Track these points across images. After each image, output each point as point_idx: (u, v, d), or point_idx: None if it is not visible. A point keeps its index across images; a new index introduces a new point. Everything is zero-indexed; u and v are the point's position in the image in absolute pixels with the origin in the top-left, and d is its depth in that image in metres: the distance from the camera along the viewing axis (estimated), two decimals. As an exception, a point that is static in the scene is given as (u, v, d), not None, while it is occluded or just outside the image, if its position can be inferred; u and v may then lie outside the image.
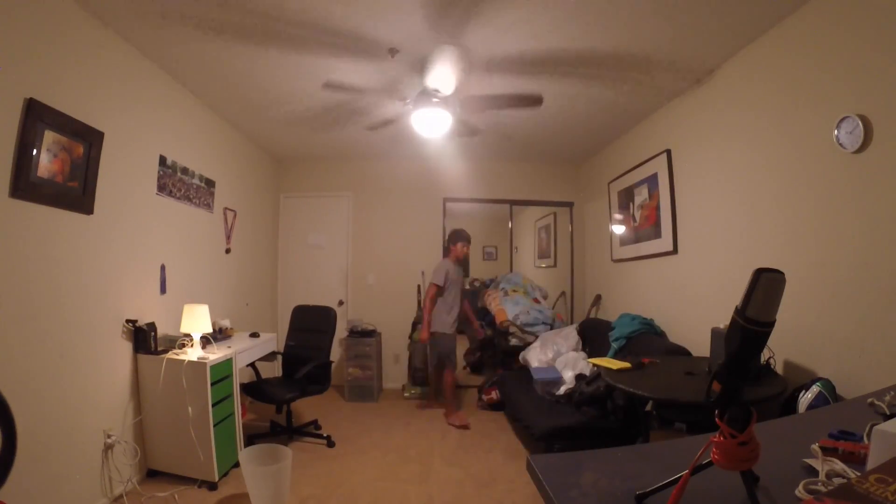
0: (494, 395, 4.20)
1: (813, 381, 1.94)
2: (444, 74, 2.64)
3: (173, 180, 3.04)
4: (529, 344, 4.53)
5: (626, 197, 4.00)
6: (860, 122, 1.85)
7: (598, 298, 4.67)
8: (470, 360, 5.65)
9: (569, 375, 3.36)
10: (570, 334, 4.02)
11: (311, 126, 4.03)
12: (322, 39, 2.54)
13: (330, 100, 3.37)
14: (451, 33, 2.47)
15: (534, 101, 3.04)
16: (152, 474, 2.67)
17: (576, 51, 2.62)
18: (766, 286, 0.62)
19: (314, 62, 2.80)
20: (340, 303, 4.98)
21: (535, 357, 3.85)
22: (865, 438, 0.85)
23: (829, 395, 1.85)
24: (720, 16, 2.27)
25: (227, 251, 3.91)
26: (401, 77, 2.94)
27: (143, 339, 2.60)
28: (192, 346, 2.72)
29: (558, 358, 3.67)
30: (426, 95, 2.78)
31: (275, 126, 4.05)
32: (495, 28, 2.42)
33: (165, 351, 2.64)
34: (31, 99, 1.91)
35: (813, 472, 0.77)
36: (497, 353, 4.91)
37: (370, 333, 4.64)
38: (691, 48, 2.57)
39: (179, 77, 3.00)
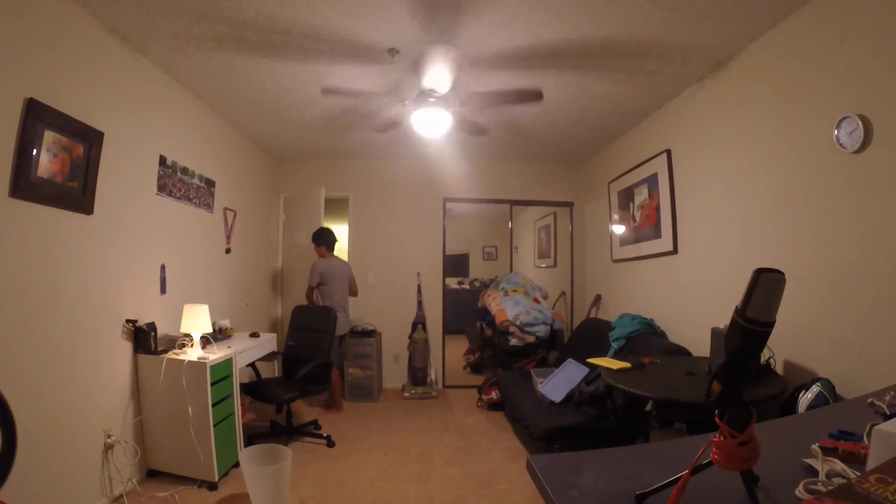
0: (494, 395, 4.20)
1: (813, 381, 1.94)
2: (438, 74, 2.65)
3: (173, 180, 3.04)
4: (529, 344, 4.54)
5: (626, 197, 4.00)
6: (860, 122, 1.85)
7: (598, 298, 4.67)
8: (470, 360, 5.65)
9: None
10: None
11: (321, 133, 4.08)
12: (321, 48, 2.56)
13: (335, 106, 3.40)
14: (443, 32, 2.47)
15: (534, 95, 3.04)
16: (152, 474, 2.67)
17: (570, 43, 2.58)
18: (766, 286, 0.62)
19: (317, 69, 2.83)
20: (340, 303, 4.98)
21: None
22: (865, 438, 0.85)
23: (829, 395, 1.85)
24: (719, 15, 2.27)
25: (227, 251, 3.91)
26: (401, 78, 2.95)
27: (143, 339, 2.60)
28: (192, 346, 2.72)
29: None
30: (423, 96, 2.78)
31: (277, 130, 4.08)
32: (487, 24, 2.39)
33: (165, 351, 2.64)
34: (31, 99, 1.91)
35: (813, 472, 0.77)
36: (497, 353, 4.91)
37: (370, 333, 4.64)
38: (694, 39, 2.53)
39: (180, 78, 3.00)
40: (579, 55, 2.71)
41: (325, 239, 4.21)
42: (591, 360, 2.73)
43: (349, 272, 4.31)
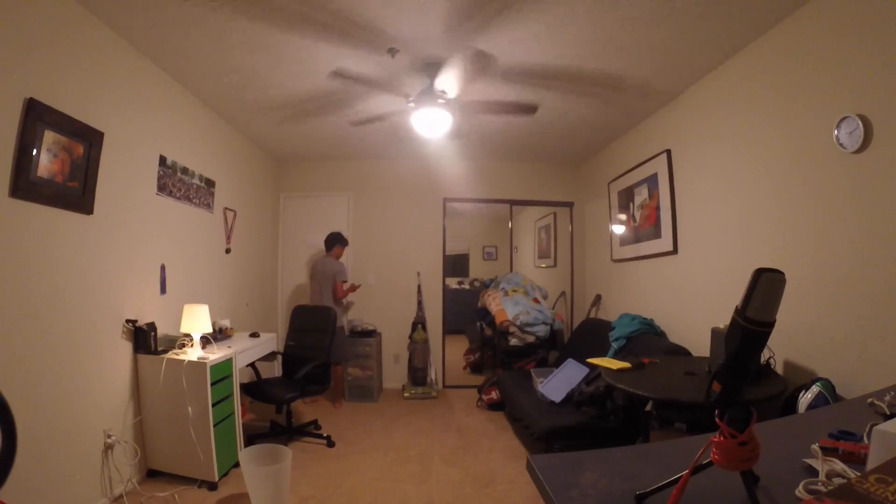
0: (494, 395, 4.20)
1: (813, 381, 1.94)
2: (454, 78, 2.65)
3: (173, 180, 3.04)
4: (529, 344, 4.54)
5: (626, 197, 4.00)
6: (860, 122, 1.85)
7: (598, 298, 4.67)
8: (470, 360, 5.65)
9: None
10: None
11: (294, 111, 3.74)
12: (328, 22, 2.40)
13: (318, 87, 3.19)
14: (464, 38, 2.49)
15: (528, 109, 3.08)
16: (152, 474, 2.67)
17: (581, 69, 2.74)
18: (766, 286, 0.62)
19: (321, 49, 2.67)
20: (340, 303, 4.98)
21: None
22: (865, 438, 0.85)
23: (829, 395, 1.85)
24: (720, 15, 2.27)
25: (227, 251, 3.91)
26: (398, 73, 2.89)
27: (143, 339, 2.60)
28: (192, 346, 2.72)
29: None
30: (432, 95, 2.77)
31: (257, 107, 3.72)
32: (509, 39, 2.46)
33: (165, 351, 2.64)
34: (31, 99, 1.91)
35: (813, 472, 0.77)
36: (497, 353, 4.91)
37: (370, 333, 4.64)
38: (692, 43, 2.57)
39: (180, 77, 3.00)
40: (585, 81, 2.86)
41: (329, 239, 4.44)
42: (591, 360, 2.73)
43: (332, 272, 4.31)
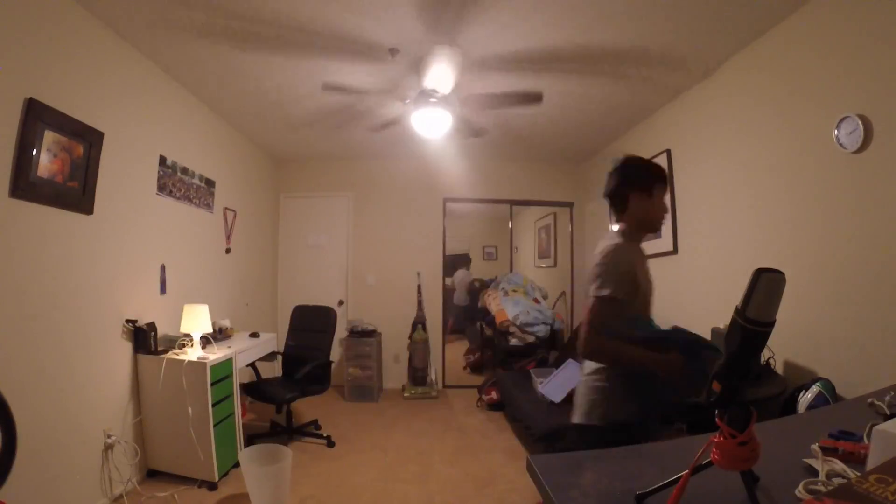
0: (494, 395, 4.20)
1: (813, 381, 1.94)
2: (440, 74, 2.65)
3: (173, 180, 3.04)
4: (529, 344, 4.54)
5: (626, 197, 3.99)
6: (860, 122, 1.85)
7: (598, 298, 4.66)
8: (470, 360, 5.66)
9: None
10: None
11: (315, 129, 4.04)
12: (321, 43, 2.55)
13: (333, 103, 3.38)
14: (447, 33, 2.48)
15: (534, 98, 3.03)
16: (152, 474, 2.67)
17: (574, 47, 2.61)
18: (766, 286, 0.62)
19: (316, 64, 2.80)
20: (340, 303, 4.98)
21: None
22: (865, 438, 0.85)
23: (829, 396, 1.85)
24: (719, 15, 2.27)
25: (227, 251, 3.91)
26: (400, 78, 2.95)
27: (143, 339, 2.60)
28: (192, 346, 2.72)
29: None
30: (424, 95, 2.78)
31: (277, 129, 4.06)
32: (491, 27, 2.42)
33: (165, 351, 2.64)
34: (31, 99, 1.91)
35: (813, 472, 0.77)
36: (497, 353, 4.92)
37: (370, 333, 4.64)
38: (692, 44, 2.56)
39: (179, 77, 3.00)
40: (580, 59, 2.73)
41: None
42: None
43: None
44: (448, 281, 5.28)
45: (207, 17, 2.32)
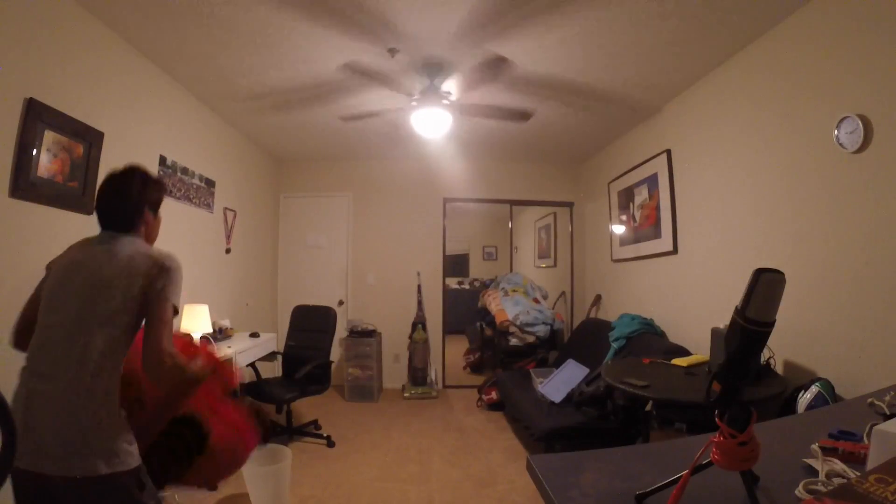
0: (494, 395, 4.20)
1: (812, 382, 1.94)
2: (465, 80, 2.66)
3: (173, 180, 3.04)
4: (529, 344, 4.54)
5: (626, 197, 4.00)
6: (860, 122, 1.85)
7: (598, 298, 4.67)
8: (470, 360, 5.66)
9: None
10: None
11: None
12: (336, 8, 2.33)
13: (308, 77, 3.07)
14: (475, 43, 2.51)
15: (522, 116, 3.12)
16: (152, 474, 2.66)
17: (586, 83, 2.83)
18: (765, 286, 0.62)
19: (313, 33, 2.53)
20: (340, 303, 4.98)
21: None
22: (865, 438, 0.85)
23: (828, 396, 1.85)
24: (720, 15, 2.27)
25: (227, 251, 3.91)
26: (396, 70, 2.85)
27: (143, 339, 2.59)
28: (192, 346, 2.72)
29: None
30: (436, 96, 2.76)
31: (283, 133, 4.06)
32: (522, 48, 2.49)
33: (165, 351, 2.63)
34: (31, 99, 1.91)
35: (813, 472, 0.77)
36: (497, 353, 4.92)
37: (370, 333, 4.64)
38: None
39: (180, 79, 3.00)
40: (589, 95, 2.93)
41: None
42: (675, 361, 2.62)
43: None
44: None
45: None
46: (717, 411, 0.68)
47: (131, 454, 1.12)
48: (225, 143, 3.83)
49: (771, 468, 0.75)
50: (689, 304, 3.12)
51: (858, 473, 0.66)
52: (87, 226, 2.28)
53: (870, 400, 1.14)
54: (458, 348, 5.75)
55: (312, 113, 3.67)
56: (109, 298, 1.14)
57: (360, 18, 2.33)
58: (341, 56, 2.72)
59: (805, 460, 0.81)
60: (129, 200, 1.27)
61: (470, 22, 2.34)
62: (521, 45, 2.54)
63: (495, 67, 2.72)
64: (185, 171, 3.17)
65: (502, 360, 4.77)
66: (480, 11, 2.25)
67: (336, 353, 4.13)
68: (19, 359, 1.88)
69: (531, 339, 4.50)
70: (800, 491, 0.70)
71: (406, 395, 4.66)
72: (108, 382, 1.13)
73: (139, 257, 1.20)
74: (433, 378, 4.83)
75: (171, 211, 3.03)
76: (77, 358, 1.12)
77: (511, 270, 5.42)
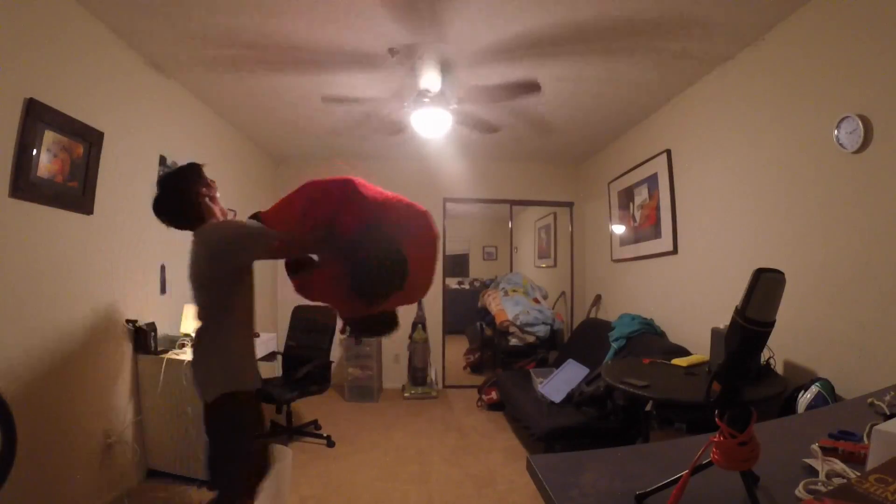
0: (494, 395, 4.20)
1: (812, 382, 1.94)
2: (429, 73, 2.66)
3: (173, 180, 3.03)
4: (529, 344, 4.54)
5: (626, 197, 4.00)
6: (860, 122, 1.85)
7: (598, 298, 4.67)
8: (470, 360, 5.66)
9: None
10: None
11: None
12: (323, 59, 2.60)
13: (349, 115, 3.39)
14: (429, 32, 2.47)
15: (531, 87, 2.96)
16: (152, 474, 2.67)
17: (561, 28, 2.46)
18: (765, 286, 0.62)
19: (324, 79, 2.87)
20: (340, 303, 4.98)
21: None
22: (865, 438, 0.85)
23: (828, 396, 1.85)
24: (721, 15, 2.27)
25: (227, 251, 3.91)
26: (402, 81, 2.93)
27: (143, 339, 2.60)
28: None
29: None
30: (419, 96, 2.77)
31: (284, 135, 4.14)
32: (469, 20, 2.36)
33: (165, 351, 2.64)
34: (31, 99, 1.91)
35: (813, 472, 0.77)
36: (497, 353, 4.91)
37: (370, 333, 4.63)
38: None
39: (181, 80, 3.00)
40: (570, 39, 2.58)
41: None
42: (675, 361, 2.60)
43: None
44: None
45: (222, 52, 2.39)
46: (717, 411, 0.68)
47: None
48: (225, 143, 3.83)
49: (771, 468, 0.75)
50: (689, 304, 3.12)
51: (858, 473, 0.66)
52: (88, 226, 2.29)
53: (870, 400, 1.14)
54: (458, 348, 5.75)
55: (289, 79, 3.22)
56: None
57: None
58: (372, 36, 2.57)
59: (805, 460, 0.81)
60: None
61: (503, 44, 2.38)
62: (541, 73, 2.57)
63: (518, 89, 2.72)
64: (185, 171, 3.17)
65: (502, 360, 4.77)
66: (518, 41, 2.28)
67: (336, 353, 4.13)
68: (19, 359, 1.88)
69: (531, 339, 4.50)
70: (800, 491, 0.70)
71: (406, 395, 4.66)
72: None
73: None
74: (433, 378, 4.83)
75: (171, 211, 3.03)
76: None
77: (511, 270, 5.42)
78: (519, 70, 2.91)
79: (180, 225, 1.61)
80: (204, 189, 1.65)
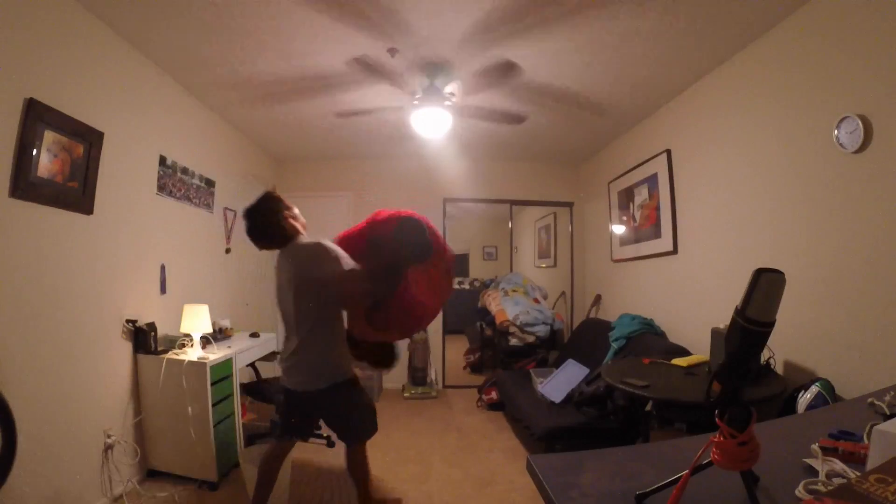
0: (494, 395, 4.20)
1: (812, 382, 1.94)
2: (420, 75, 2.66)
3: (173, 180, 3.04)
4: (529, 344, 4.54)
5: (626, 197, 4.00)
6: (860, 122, 1.85)
7: (598, 298, 4.67)
8: (470, 360, 5.66)
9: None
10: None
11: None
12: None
13: (296, 71, 2.98)
14: (481, 46, 2.52)
15: (517, 119, 3.12)
16: (152, 474, 2.67)
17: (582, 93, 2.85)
18: (766, 286, 0.62)
19: (318, 20, 2.47)
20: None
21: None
22: (865, 438, 0.85)
23: (828, 396, 1.85)
24: (720, 16, 2.27)
25: (227, 251, 3.91)
26: (401, 69, 2.84)
27: (143, 339, 2.60)
28: (192, 346, 2.72)
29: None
30: (439, 96, 2.76)
31: (302, 144, 4.18)
32: (430, 11, 2.31)
33: (165, 351, 2.64)
34: (31, 99, 1.91)
35: (813, 472, 0.77)
36: (497, 353, 4.91)
37: (370, 333, 4.63)
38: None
39: (180, 79, 2.99)
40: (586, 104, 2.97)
41: None
42: (675, 361, 2.61)
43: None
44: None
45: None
46: (717, 411, 0.68)
47: None
48: (225, 143, 3.83)
49: (771, 468, 0.75)
50: (689, 304, 3.12)
51: (858, 473, 0.66)
52: (88, 226, 2.29)
53: (870, 400, 1.14)
54: (458, 348, 5.75)
55: (310, 105, 3.50)
56: None
57: (370, 12, 2.29)
58: (345, 49, 2.64)
59: (805, 460, 0.81)
60: None
61: (484, 25, 2.34)
62: (530, 50, 2.55)
63: (503, 71, 2.71)
64: (184, 171, 3.17)
65: (502, 360, 4.77)
66: (494, 17, 2.26)
67: (336, 353, 4.12)
68: (19, 358, 1.88)
69: (531, 339, 4.50)
70: (800, 491, 0.70)
71: (406, 395, 4.65)
72: None
73: None
74: (433, 378, 4.83)
75: (172, 211, 3.04)
76: None
77: (511, 270, 5.41)
78: (509, 51, 2.73)
79: (272, 245, 2.02)
80: (286, 212, 2.02)
